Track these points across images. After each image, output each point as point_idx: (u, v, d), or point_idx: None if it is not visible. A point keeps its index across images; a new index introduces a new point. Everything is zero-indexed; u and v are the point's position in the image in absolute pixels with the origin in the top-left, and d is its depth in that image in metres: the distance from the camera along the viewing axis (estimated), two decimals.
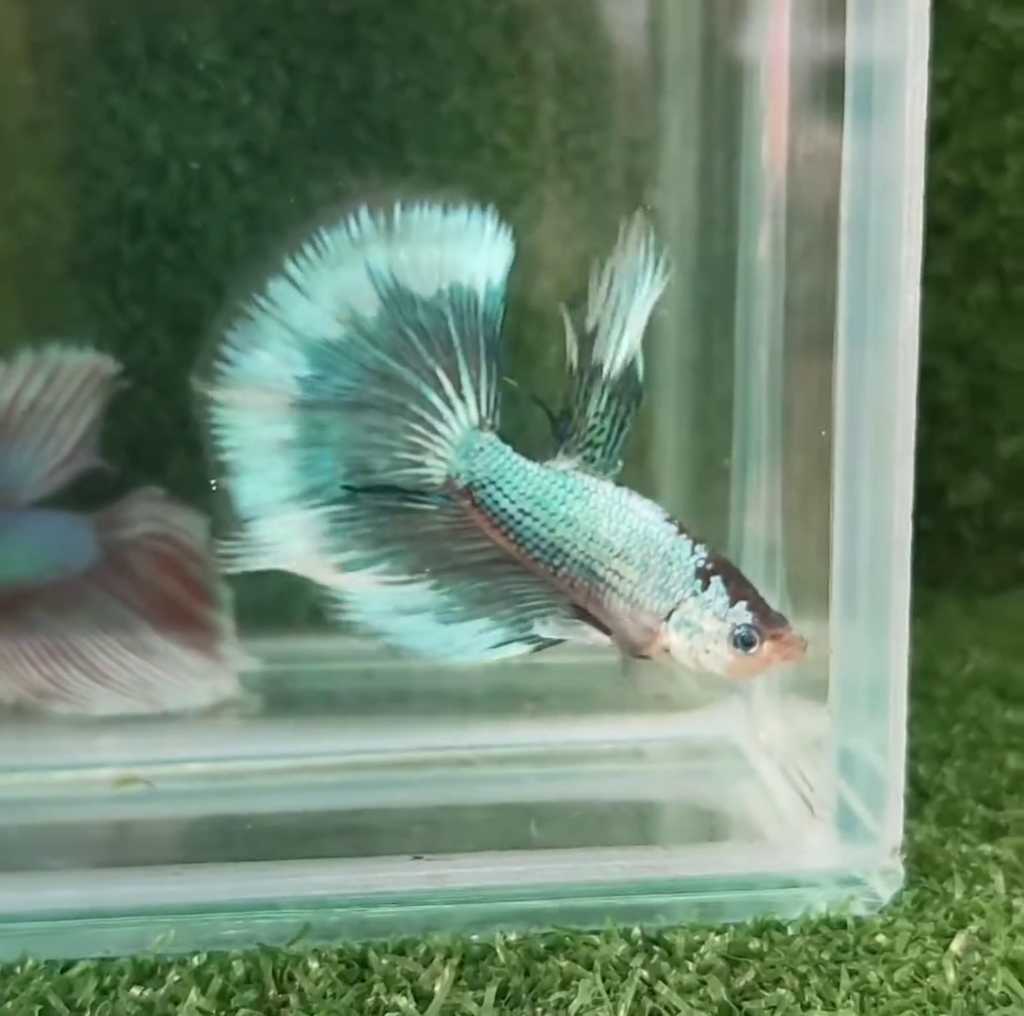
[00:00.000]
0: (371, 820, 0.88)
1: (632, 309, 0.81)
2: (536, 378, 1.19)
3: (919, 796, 0.96)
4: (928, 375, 1.37)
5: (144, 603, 1.08)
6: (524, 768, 0.95)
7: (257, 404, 0.80)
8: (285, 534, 0.81)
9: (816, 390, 0.89)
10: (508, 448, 0.82)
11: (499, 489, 0.81)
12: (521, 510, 0.81)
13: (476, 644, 0.81)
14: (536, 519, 0.81)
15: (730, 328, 1.03)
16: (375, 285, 0.79)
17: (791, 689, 0.95)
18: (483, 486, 0.81)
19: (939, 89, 1.37)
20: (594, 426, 0.82)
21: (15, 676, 1.04)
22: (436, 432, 0.81)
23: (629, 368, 0.81)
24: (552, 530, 0.81)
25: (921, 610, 1.38)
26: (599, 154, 1.18)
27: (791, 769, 0.92)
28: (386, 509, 0.81)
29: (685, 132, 1.12)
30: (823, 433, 0.83)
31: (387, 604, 0.81)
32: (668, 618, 0.81)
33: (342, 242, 0.80)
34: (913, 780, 0.97)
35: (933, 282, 1.39)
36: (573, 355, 0.81)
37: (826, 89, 0.87)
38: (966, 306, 1.40)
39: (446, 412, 0.81)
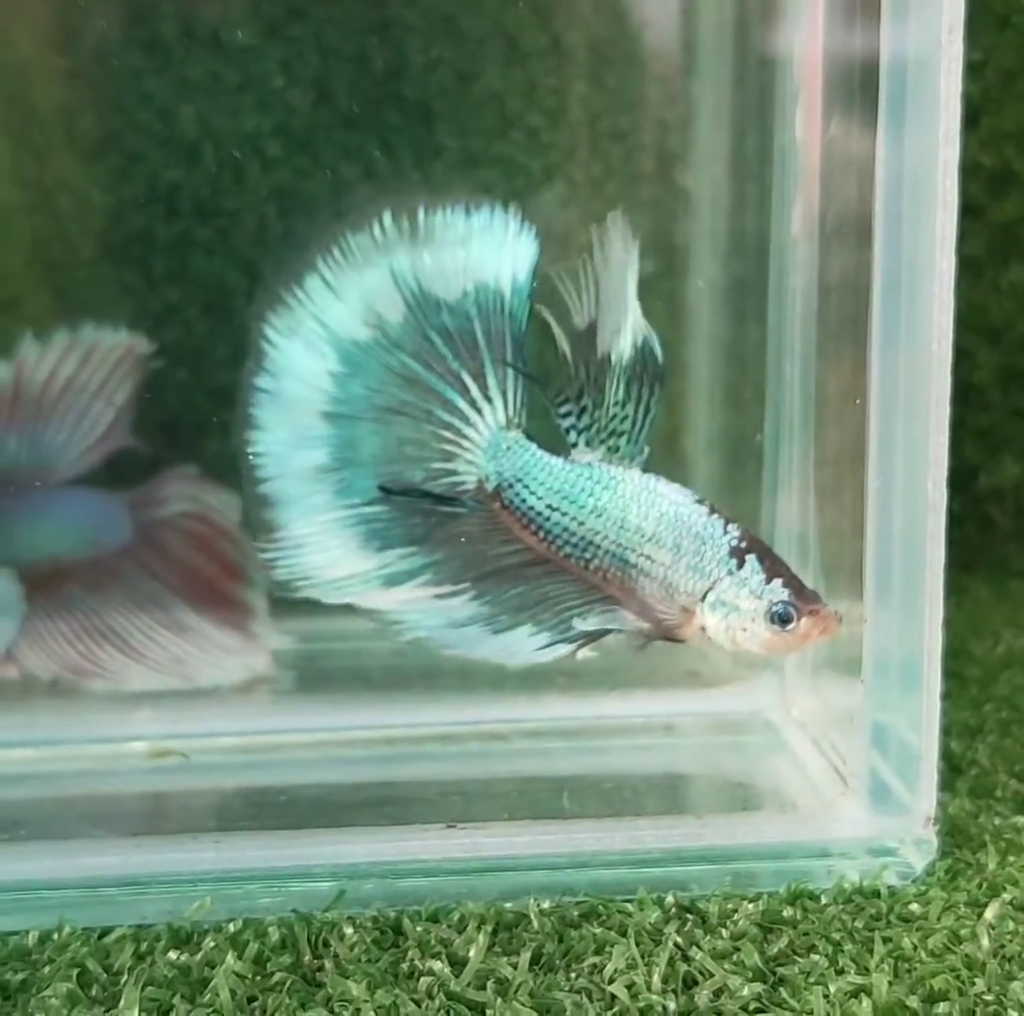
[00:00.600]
0: (405, 792, 0.89)
1: (626, 297, 0.81)
2: None
3: (952, 771, 0.96)
4: (960, 357, 1.36)
5: (178, 581, 1.09)
6: (556, 742, 0.95)
7: (294, 399, 0.81)
8: (329, 556, 0.82)
9: (849, 369, 0.89)
10: (533, 445, 0.82)
11: (526, 486, 0.82)
12: (549, 506, 0.82)
13: (526, 647, 0.82)
14: (565, 513, 0.82)
15: (763, 308, 1.03)
16: (400, 290, 0.80)
17: (824, 665, 0.95)
18: (511, 485, 0.82)
19: (971, 71, 1.36)
20: (616, 415, 0.82)
21: (51, 653, 1.05)
22: (465, 437, 0.82)
23: (643, 351, 0.81)
24: (581, 523, 0.82)
25: (953, 593, 1.38)
26: (630, 135, 1.18)
27: (824, 743, 0.92)
28: (421, 514, 0.81)
29: (717, 113, 1.12)
30: (858, 401, 0.83)
31: (441, 619, 0.82)
32: (704, 598, 0.81)
33: (366, 246, 0.81)
34: (946, 756, 0.98)
35: (965, 264, 1.38)
36: (566, 347, 0.81)
37: (859, 71, 0.87)
38: (998, 289, 1.40)
39: (474, 416, 0.81)
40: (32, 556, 1.07)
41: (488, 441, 0.81)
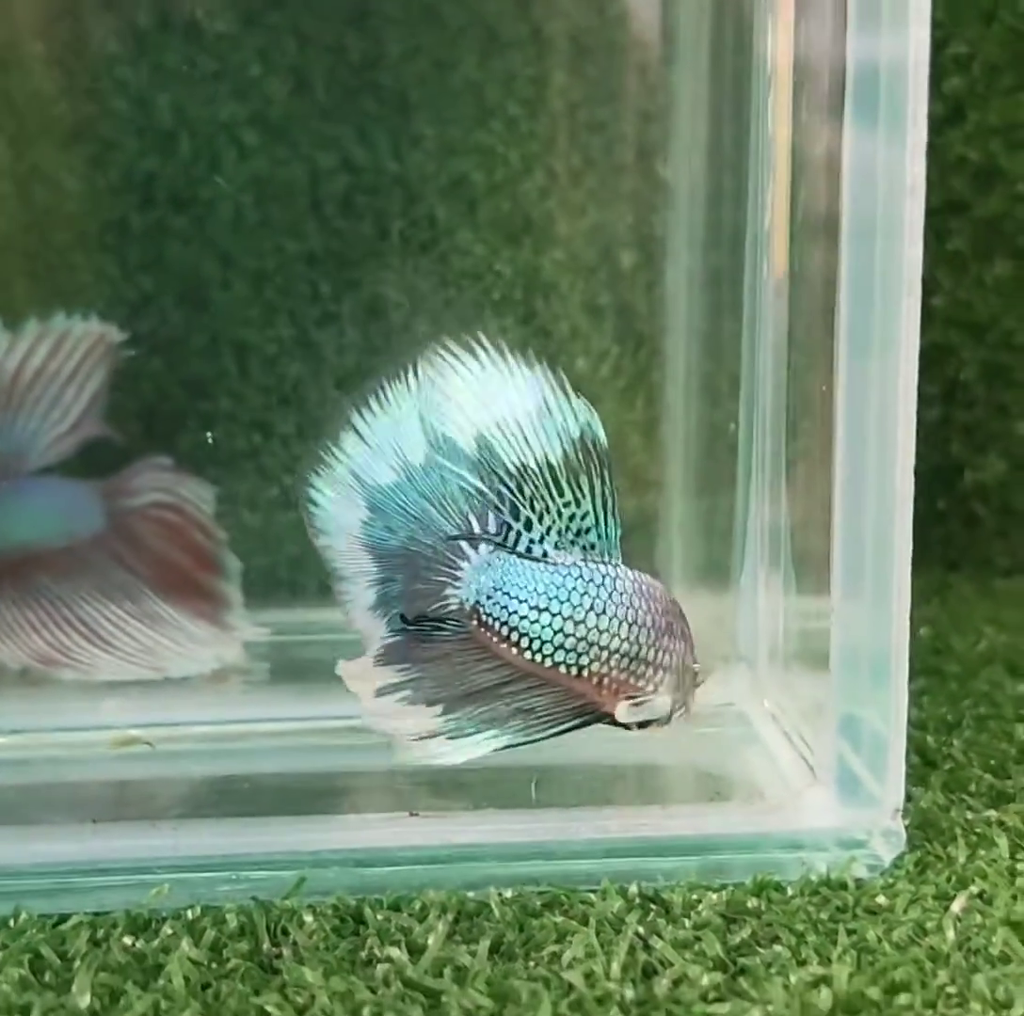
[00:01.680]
0: (371, 781, 0.88)
1: (510, 409, 0.80)
2: (550, 348, 1.20)
3: (926, 765, 0.95)
4: (945, 354, 1.36)
5: (150, 571, 1.09)
6: None
7: (342, 546, 0.83)
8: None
9: (822, 361, 0.89)
10: (512, 556, 0.82)
11: (506, 593, 0.81)
12: (536, 607, 0.81)
13: (482, 749, 0.81)
14: (555, 614, 0.81)
15: (739, 299, 1.02)
16: (425, 432, 0.80)
17: (795, 658, 0.94)
18: (489, 597, 0.81)
19: (957, 65, 1.37)
20: (573, 515, 0.81)
21: (20, 643, 1.04)
22: (460, 569, 0.81)
23: (583, 440, 0.80)
24: (579, 622, 0.81)
25: (937, 590, 1.38)
26: (610, 125, 1.17)
27: (795, 736, 0.91)
28: (416, 639, 0.82)
29: (695, 103, 1.11)
30: (824, 388, 0.82)
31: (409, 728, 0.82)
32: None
33: (400, 393, 0.81)
34: (920, 750, 0.97)
35: (949, 260, 1.39)
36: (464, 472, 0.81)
37: (830, 63, 0.86)
38: (983, 284, 1.39)
39: (471, 553, 0.81)
40: (2, 544, 1.06)
41: (475, 566, 0.81)
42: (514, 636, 0.81)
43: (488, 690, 0.81)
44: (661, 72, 1.16)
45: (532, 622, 0.80)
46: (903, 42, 0.77)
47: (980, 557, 1.44)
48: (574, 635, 0.80)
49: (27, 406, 1.08)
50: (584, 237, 1.19)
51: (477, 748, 0.81)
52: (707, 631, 1.08)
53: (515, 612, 0.80)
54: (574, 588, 0.80)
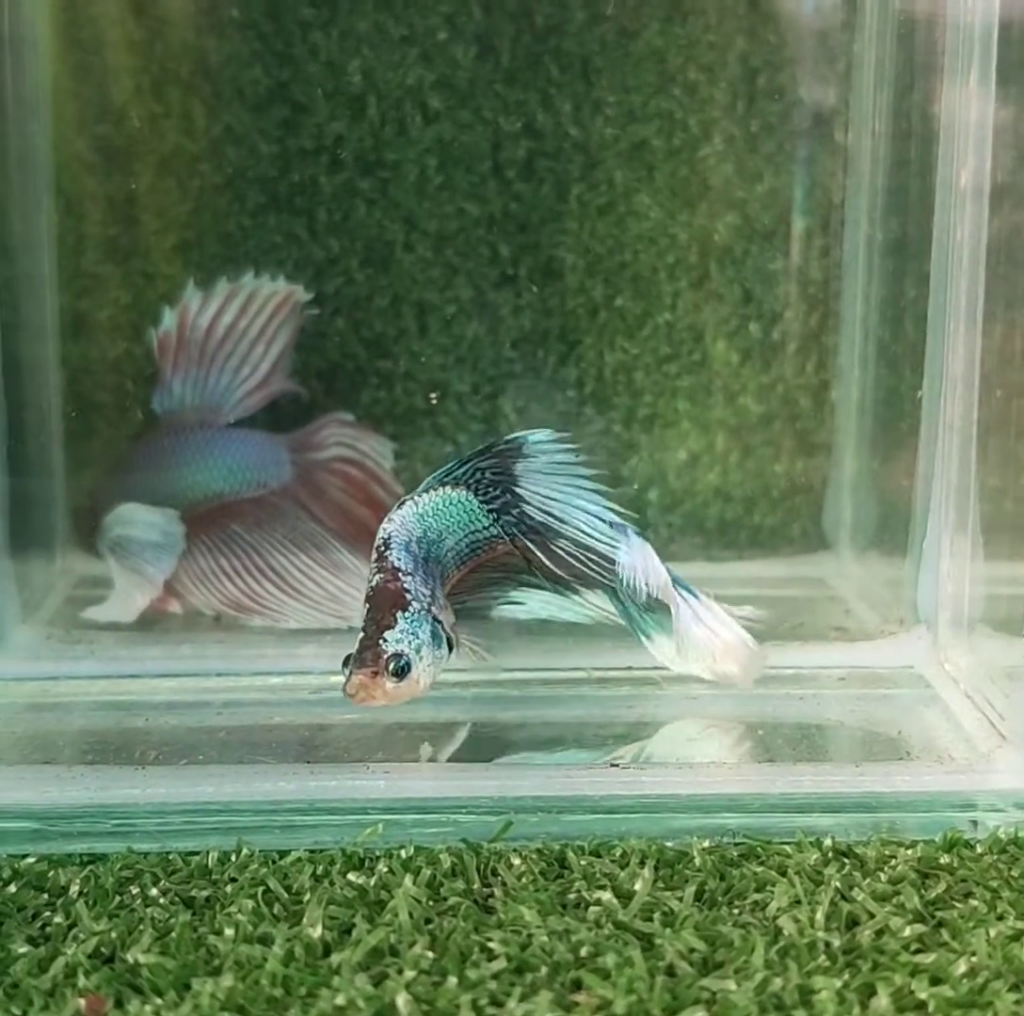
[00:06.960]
0: (564, 732, 0.91)
1: None
2: (722, 311, 1.21)
3: None
4: None
5: (334, 521, 1.12)
6: (705, 690, 0.96)
7: None
8: None
9: (1018, 328, 0.89)
10: None
11: None
12: None
13: None
14: None
15: (923, 265, 1.02)
16: None
17: (979, 622, 0.95)
18: None
19: None
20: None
21: (214, 590, 1.09)
22: None
23: None
24: None
25: None
26: (789, 91, 1.19)
27: (978, 698, 0.93)
28: None
29: (879, 69, 1.12)
30: None
31: None
32: None
33: None
34: None
35: None
36: None
37: None
38: None
39: None
40: (196, 495, 1.11)
41: None
42: None
43: None
44: (842, 38, 1.17)
45: None
46: None
47: None
48: None
49: (219, 362, 1.12)
50: (759, 202, 1.20)
51: None
52: (881, 593, 1.11)
53: None
54: None
